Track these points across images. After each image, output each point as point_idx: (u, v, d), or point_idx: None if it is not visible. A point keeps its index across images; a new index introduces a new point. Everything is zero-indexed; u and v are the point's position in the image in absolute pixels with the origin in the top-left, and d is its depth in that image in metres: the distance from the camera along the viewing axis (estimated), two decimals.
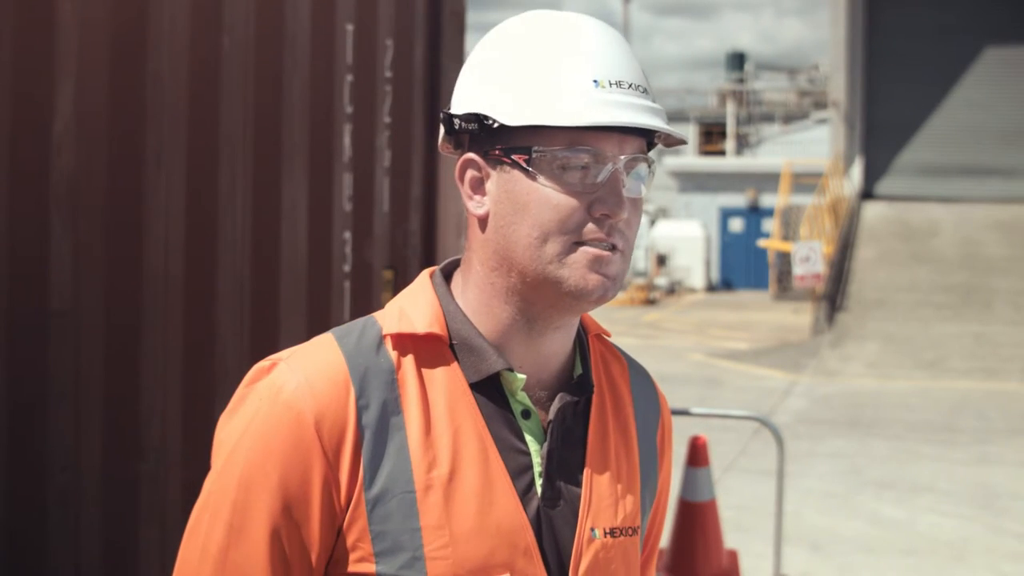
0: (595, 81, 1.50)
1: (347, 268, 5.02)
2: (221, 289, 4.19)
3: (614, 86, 1.50)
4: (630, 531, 1.63)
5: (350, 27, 5.04)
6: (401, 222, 5.50)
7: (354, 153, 5.08)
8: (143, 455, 3.87)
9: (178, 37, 3.99)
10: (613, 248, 1.52)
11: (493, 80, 1.54)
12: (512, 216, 1.52)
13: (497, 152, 1.53)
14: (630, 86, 1.52)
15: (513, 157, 1.52)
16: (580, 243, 1.50)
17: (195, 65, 4.08)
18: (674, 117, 49.77)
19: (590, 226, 1.50)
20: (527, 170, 1.51)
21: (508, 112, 1.51)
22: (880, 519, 8.88)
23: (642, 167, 1.55)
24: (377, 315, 1.61)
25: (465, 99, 1.58)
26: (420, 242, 5.65)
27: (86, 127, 3.62)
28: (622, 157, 1.51)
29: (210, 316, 4.16)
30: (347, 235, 5.02)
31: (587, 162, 1.50)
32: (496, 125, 1.52)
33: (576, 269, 1.50)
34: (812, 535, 8.33)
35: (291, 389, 1.51)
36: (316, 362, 1.53)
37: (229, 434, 1.54)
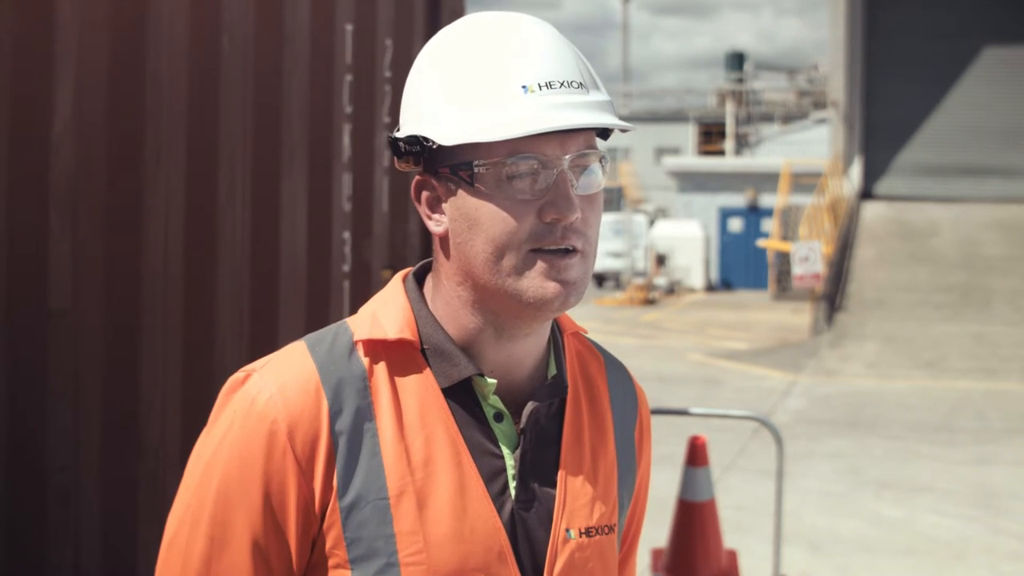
0: (524, 87, 1.48)
1: (346, 268, 5.02)
2: (220, 289, 4.19)
3: (545, 88, 1.49)
4: (606, 529, 1.63)
5: (349, 27, 5.05)
6: (400, 222, 5.50)
7: (353, 153, 5.08)
8: (142, 455, 3.87)
9: (177, 37, 3.99)
10: (572, 251, 1.51)
11: (427, 98, 1.54)
12: (467, 233, 1.52)
13: (444, 171, 1.53)
14: (563, 84, 1.50)
15: (459, 174, 1.51)
16: (536, 251, 1.50)
17: (195, 65, 4.08)
18: (673, 117, 49.81)
19: (544, 232, 1.49)
20: (472, 186, 1.51)
21: (443, 132, 1.50)
22: (879, 519, 8.88)
23: (593, 162, 1.54)
24: (349, 320, 1.62)
25: (407, 120, 1.58)
26: (419, 242, 5.66)
27: (85, 127, 3.62)
28: (566, 157, 1.50)
29: (209, 316, 4.16)
30: (346, 235, 5.02)
31: (535, 168, 1.49)
32: (435, 146, 1.51)
33: (534, 280, 1.50)
34: (811, 535, 8.33)
35: (264, 399, 1.51)
36: (288, 371, 1.54)
37: (206, 446, 1.55)
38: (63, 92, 3.54)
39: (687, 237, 35.24)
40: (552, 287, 1.50)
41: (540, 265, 1.50)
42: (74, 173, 3.57)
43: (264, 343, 4.34)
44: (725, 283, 36.79)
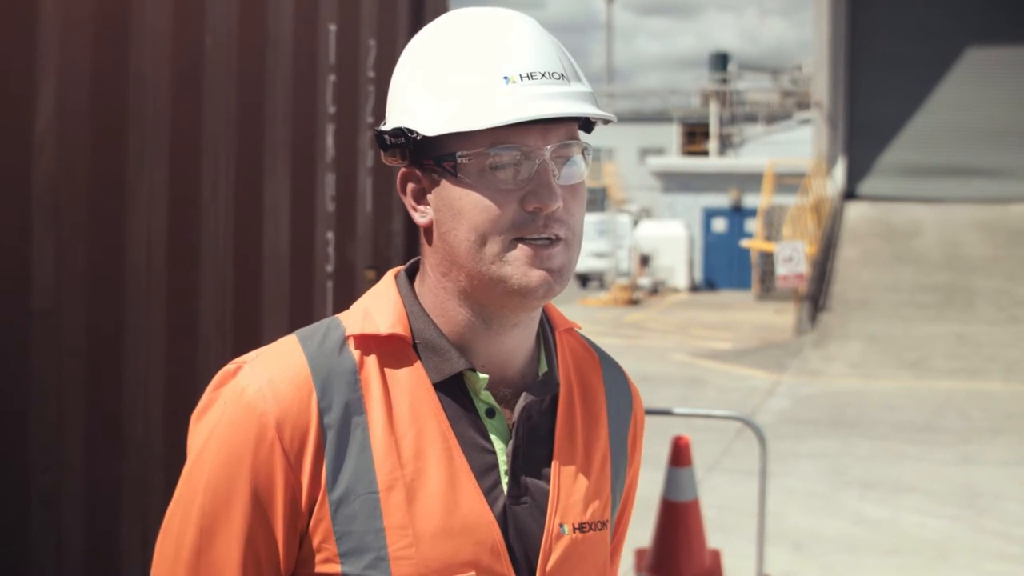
0: (505, 78, 1.50)
1: (330, 268, 5.02)
2: (204, 288, 4.19)
3: (526, 79, 1.51)
4: (599, 525, 1.64)
5: (333, 27, 5.04)
6: (384, 222, 5.50)
7: (337, 153, 5.07)
8: (126, 455, 3.86)
9: (161, 36, 3.98)
10: (555, 239, 1.52)
11: (412, 91, 1.56)
12: (451, 223, 1.54)
13: (429, 162, 1.55)
14: (544, 75, 1.52)
15: (443, 165, 1.53)
16: (519, 239, 1.51)
17: (178, 64, 4.07)
18: (657, 117, 49.85)
19: (527, 221, 1.51)
20: (456, 176, 1.52)
21: (426, 123, 1.52)
22: (863, 519, 8.91)
23: (576, 153, 1.56)
24: (342, 316, 1.63)
25: (392, 113, 1.60)
26: (403, 242, 5.66)
27: (68, 126, 3.61)
28: (547, 147, 1.52)
29: (193, 316, 4.15)
30: (330, 235, 5.02)
31: (517, 158, 1.51)
32: (419, 137, 1.53)
33: (518, 267, 1.51)
34: (795, 535, 8.35)
35: (253, 391, 1.52)
36: (279, 364, 1.54)
37: (197, 437, 1.56)
38: (45, 90, 3.52)
39: (671, 237, 35.27)
40: (536, 275, 1.51)
41: (523, 253, 1.51)
42: (56, 173, 3.56)
43: (247, 342, 4.33)
44: (709, 283, 36.84)
